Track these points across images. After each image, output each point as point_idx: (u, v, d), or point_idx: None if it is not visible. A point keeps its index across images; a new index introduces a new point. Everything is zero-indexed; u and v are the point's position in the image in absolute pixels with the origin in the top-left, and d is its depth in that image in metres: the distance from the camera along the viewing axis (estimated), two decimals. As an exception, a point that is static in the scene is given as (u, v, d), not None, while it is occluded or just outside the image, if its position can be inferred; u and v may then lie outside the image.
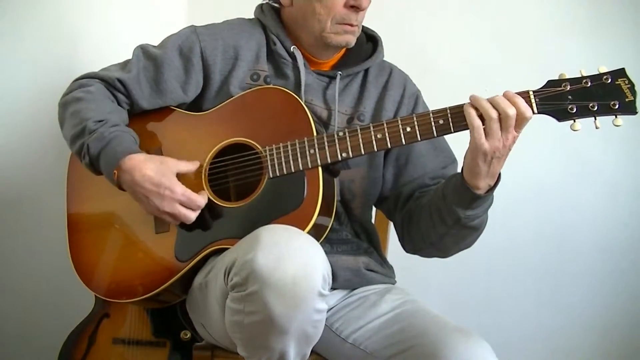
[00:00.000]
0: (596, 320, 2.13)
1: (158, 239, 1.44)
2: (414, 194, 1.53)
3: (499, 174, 1.34)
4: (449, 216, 1.38)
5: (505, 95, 1.28)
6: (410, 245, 1.55)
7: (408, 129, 1.34)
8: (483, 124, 1.28)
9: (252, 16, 1.61)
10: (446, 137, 1.56)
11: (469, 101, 1.31)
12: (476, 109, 1.29)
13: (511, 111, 1.26)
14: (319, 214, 1.33)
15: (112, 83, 1.49)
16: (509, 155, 1.31)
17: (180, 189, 1.36)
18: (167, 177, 1.36)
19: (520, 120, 1.27)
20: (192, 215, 1.38)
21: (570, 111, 1.27)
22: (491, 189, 1.35)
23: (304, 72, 1.50)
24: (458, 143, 1.52)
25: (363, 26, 1.57)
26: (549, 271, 2.15)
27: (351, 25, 1.47)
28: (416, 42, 2.16)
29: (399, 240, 1.57)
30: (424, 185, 1.54)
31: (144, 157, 1.39)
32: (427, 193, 1.50)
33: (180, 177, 1.42)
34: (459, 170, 1.39)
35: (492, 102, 1.28)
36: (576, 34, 2.10)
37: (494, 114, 1.27)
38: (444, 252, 1.51)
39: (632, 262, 2.10)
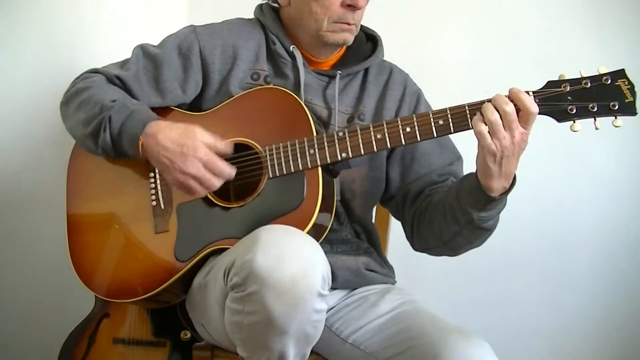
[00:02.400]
0: (596, 321, 2.12)
1: (158, 239, 1.44)
2: (424, 191, 1.53)
3: (515, 177, 1.34)
4: (462, 216, 1.38)
5: (510, 92, 1.28)
6: (420, 243, 1.54)
7: (408, 129, 1.34)
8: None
9: (251, 16, 1.61)
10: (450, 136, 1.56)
11: (468, 102, 1.31)
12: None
13: (508, 107, 1.26)
14: (318, 214, 1.34)
15: (111, 79, 1.49)
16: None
17: (204, 150, 1.33)
18: (191, 138, 1.34)
19: (527, 116, 1.26)
20: (217, 182, 1.35)
21: (570, 112, 1.27)
22: (506, 191, 1.34)
23: (303, 71, 1.50)
24: (461, 141, 1.52)
25: (363, 25, 1.57)
26: (549, 272, 2.15)
27: (348, 24, 1.47)
28: (416, 43, 2.16)
29: (408, 238, 1.57)
30: (432, 182, 1.53)
31: (167, 123, 1.38)
32: (437, 191, 1.50)
33: None
34: (465, 168, 1.39)
35: (492, 103, 1.28)
36: (576, 35, 2.10)
37: (492, 115, 1.27)
38: (455, 250, 1.50)
39: (632, 263, 2.10)
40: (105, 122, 1.40)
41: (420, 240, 1.54)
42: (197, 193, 1.37)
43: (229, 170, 1.36)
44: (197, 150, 1.33)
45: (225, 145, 1.37)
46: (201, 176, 1.34)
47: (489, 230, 1.42)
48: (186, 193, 1.39)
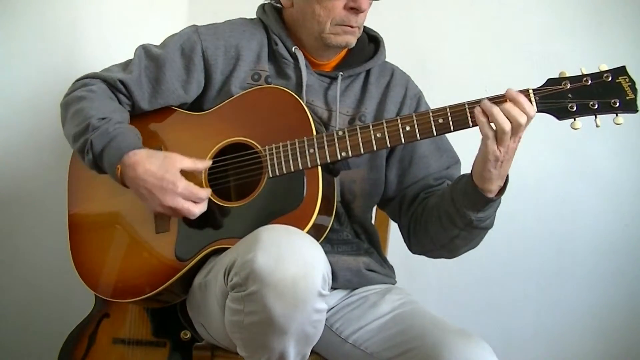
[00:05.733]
0: (596, 322, 2.12)
1: (158, 239, 1.44)
2: (419, 195, 1.53)
3: (507, 175, 1.34)
4: (460, 220, 1.38)
5: (507, 94, 1.27)
6: (418, 247, 1.55)
7: (407, 128, 1.34)
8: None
9: (252, 16, 1.61)
10: (448, 137, 1.56)
11: (468, 100, 1.31)
12: (486, 116, 1.28)
13: (523, 119, 1.26)
14: (318, 214, 1.33)
15: (113, 84, 1.49)
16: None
17: (183, 184, 1.35)
18: (170, 172, 1.36)
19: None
20: (195, 209, 1.37)
21: (571, 110, 1.27)
22: (501, 190, 1.35)
23: (305, 72, 1.50)
24: (460, 144, 1.52)
25: (365, 27, 1.56)
26: (549, 272, 2.14)
27: (351, 26, 1.47)
28: (417, 43, 2.16)
29: (405, 242, 1.57)
30: (428, 186, 1.53)
31: (147, 153, 1.39)
32: (432, 195, 1.50)
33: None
34: (462, 171, 1.38)
35: (504, 111, 1.26)
36: (577, 32, 2.10)
37: (507, 127, 1.26)
38: (453, 252, 1.50)
39: (632, 263, 2.10)
40: (87, 146, 1.41)
41: (417, 244, 1.54)
42: (178, 217, 1.41)
43: (206, 194, 1.38)
44: (176, 184, 1.35)
45: (205, 163, 1.41)
46: (179, 207, 1.36)
47: (486, 229, 1.42)
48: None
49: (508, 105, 1.26)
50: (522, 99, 1.26)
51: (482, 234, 1.43)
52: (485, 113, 1.28)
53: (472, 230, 1.40)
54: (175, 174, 1.36)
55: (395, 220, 1.62)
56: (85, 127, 1.41)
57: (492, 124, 1.27)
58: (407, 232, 1.55)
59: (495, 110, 1.27)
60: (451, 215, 1.39)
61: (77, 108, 1.45)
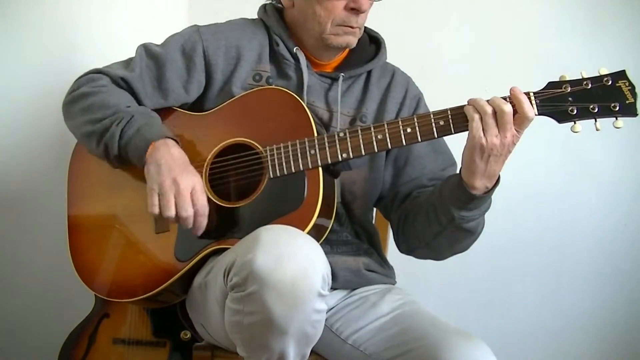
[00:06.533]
0: (596, 322, 2.13)
1: (158, 239, 1.44)
2: (412, 193, 1.53)
3: (499, 178, 1.34)
4: (443, 215, 1.38)
5: (511, 91, 1.28)
6: (405, 244, 1.55)
7: (409, 130, 1.34)
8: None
9: (253, 16, 1.61)
10: (446, 140, 1.56)
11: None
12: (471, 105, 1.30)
13: (507, 107, 1.27)
14: (319, 215, 1.33)
15: (115, 80, 1.49)
16: (508, 157, 1.31)
17: (185, 184, 1.32)
18: (185, 172, 1.34)
19: (522, 120, 1.27)
20: (190, 210, 1.33)
21: (571, 113, 1.27)
22: (488, 191, 1.35)
23: (306, 73, 1.50)
24: (458, 147, 1.52)
25: (366, 27, 1.57)
26: (549, 272, 2.15)
27: (351, 27, 1.47)
28: (417, 44, 2.17)
29: (394, 239, 1.58)
30: (421, 185, 1.54)
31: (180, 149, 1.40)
32: (424, 193, 1.50)
33: None
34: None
35: (489, 100, 1.29)
36: (577, 36, 2.10)
37: (488, 109, 1.27)
38: (437, 253, 1.50)
39: (632, 263, 2.11)
40: (124, 122, 1.39)
41: (405, 242, 1.54)
42: (168, 211, 1.33)
43: (191, 210, 1.34)
44: (179, 182, 1.33)
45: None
46: (184, 196, 1.32)
47: (470, 233, 1.41)
48: (160, 212, 1.35)
49: (495, 97, 1.28)
50: (523, 97, 1.27)
51: (467, 237, 1.43)
52: (471, 103, 1.30)
53: (455, 230, 1.39)
54: (187, 175, 1.34)
55: (386, 217, 1.62)
56: (114, 111, 1.40)
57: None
58: (396, 228, 1.55)
59: (480, 99, 1.29)
60: (437, 209, 1.39)
61: (92, 101, 1.44)
